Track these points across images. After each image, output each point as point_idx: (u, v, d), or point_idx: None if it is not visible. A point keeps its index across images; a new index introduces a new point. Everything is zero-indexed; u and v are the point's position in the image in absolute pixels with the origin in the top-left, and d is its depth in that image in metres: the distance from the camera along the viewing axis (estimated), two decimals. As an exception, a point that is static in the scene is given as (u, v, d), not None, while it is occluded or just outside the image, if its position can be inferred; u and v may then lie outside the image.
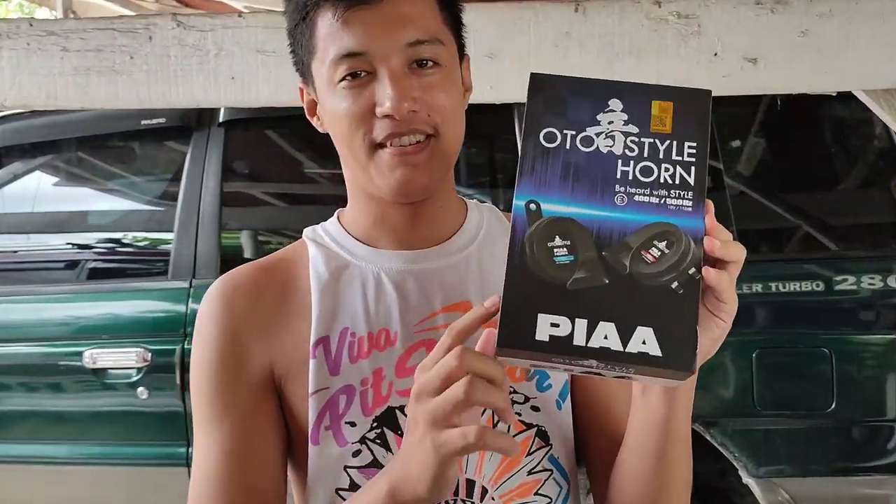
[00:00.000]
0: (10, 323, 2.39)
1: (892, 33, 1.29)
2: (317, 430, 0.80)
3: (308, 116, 0.86)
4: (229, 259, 2.32)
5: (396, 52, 0.75)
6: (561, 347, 0.60)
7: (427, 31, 0.76)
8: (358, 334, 0.81)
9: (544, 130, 0.66)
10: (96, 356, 2.27)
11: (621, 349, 0.60)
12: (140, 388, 2.24)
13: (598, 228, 0.63)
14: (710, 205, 0.64)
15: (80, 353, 2.28)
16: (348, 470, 0.80)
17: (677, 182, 0.65)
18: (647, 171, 0.65)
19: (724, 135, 2.34)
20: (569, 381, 0.85)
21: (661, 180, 0.65)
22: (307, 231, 0.89)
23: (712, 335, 0.66)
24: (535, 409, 0.82)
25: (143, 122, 2.38)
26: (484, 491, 0.80)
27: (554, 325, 0.61)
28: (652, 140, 0.66)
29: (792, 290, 1.95)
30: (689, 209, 0.63)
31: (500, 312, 0.61)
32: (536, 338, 0.60)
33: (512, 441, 0.65)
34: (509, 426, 0.80)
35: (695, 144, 0.65)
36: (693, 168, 0.65)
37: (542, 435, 0.82)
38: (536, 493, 0.81)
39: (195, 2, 4.58)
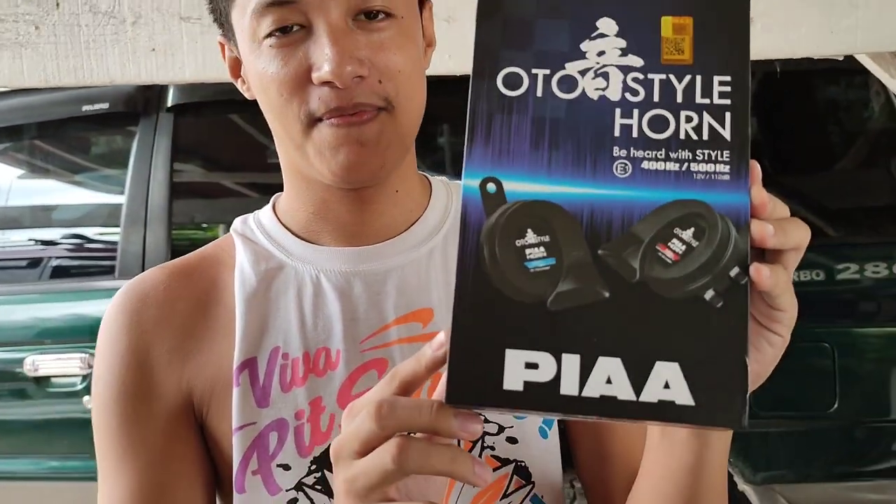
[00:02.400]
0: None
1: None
2: (242, 474, 0.67)
3: (231, 78, 0.71)
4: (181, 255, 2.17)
5: (327, 5, 0.61)
6: (542, 399, 0.43)
7: None
8: (291, 355, 0.69)
9: (503, 72, 0.46)
10: (38, 363, 2.13)
11: (633, 398, 0.42)
12: (85, 397, 2.10)
13: (591, 214, 0.45)
14: (757, 169, 0.45)
15: (20, 360, 2.14)
16: None
17: (706, 137, 0.45)
18: (659, 124, 0.46)
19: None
20: None
21: (682, 136, 0.45)
22: (236, 223, 0.75)
23: (764, 357, 0.48)
24: (512, 440, 0.70)
25: (85, 107, 2.22)
26: None
27: (530, 365, 0.43)
28: (665, 76, 0.46)
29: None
30: (726, 177, 0.44)
31: (448, 350, 0.43)
32: (505, 387, 0.43)
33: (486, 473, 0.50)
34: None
35: (729, 79, 0.46)
36: (728, 115, 0.45)
37: (521, 471, 0.69)
38: None
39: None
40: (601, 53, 0.46)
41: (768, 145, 2.19)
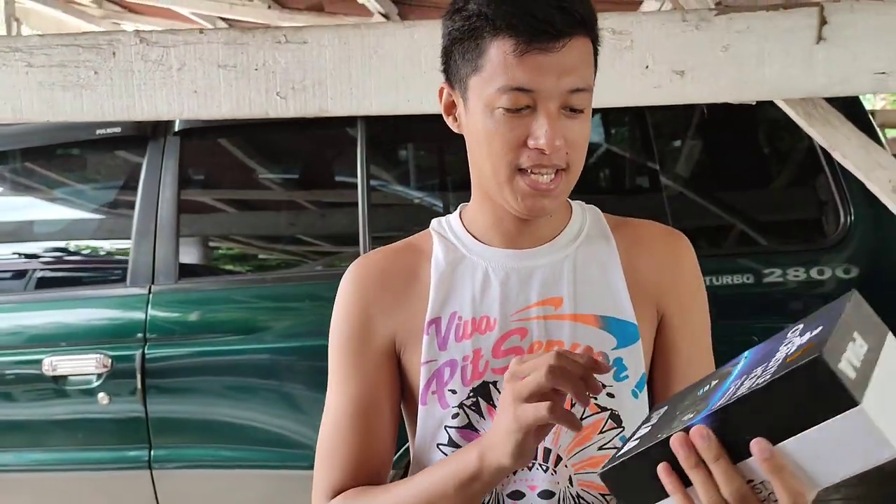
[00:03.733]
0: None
1: (802, 48, 1.42)
2: (425, 393, 0.94)
3: (444, 115, 0.94)
4: (187, 265, 2.38)
5: (558, 96, 0.83)
6: None
7: (585, 80, 0.84)
8: (464, 318, 0.94)
9: None
10: (56, 363, 2.30)
11: None
12: (101, 394, 2.28)
13: None
14: None
15: (39, 361, 2.31)
16: (448, 429, 0.93)
17: None
18: None
19: (663, 137, 2.49)
20: (646, 374, 0.94)
21: None
22: (434, 223, 1.01)
23: None
24: (611, 395, 0.91)
25: (98, 131, 2.41)
26: (558, 459, 0.91)
27: None
28: None
29: (725, 283, 2.10)
30: None
31: None
32: None
33: (575, 419, 0.77)
34: (584, 408, 0.89)
35: None
36: None
37: (615, 418, 0.92)
38: None
39: (140, 7, 4.58)
40: None
41: (712, 166, 2.48)
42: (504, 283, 0.94)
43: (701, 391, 0.71)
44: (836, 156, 1.68)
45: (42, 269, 2.61)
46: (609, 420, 0.92)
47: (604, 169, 2.59)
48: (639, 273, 0.96)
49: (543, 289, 0.94)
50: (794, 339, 0.64)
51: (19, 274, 2.64)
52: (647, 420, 0.76)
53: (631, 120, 2.39)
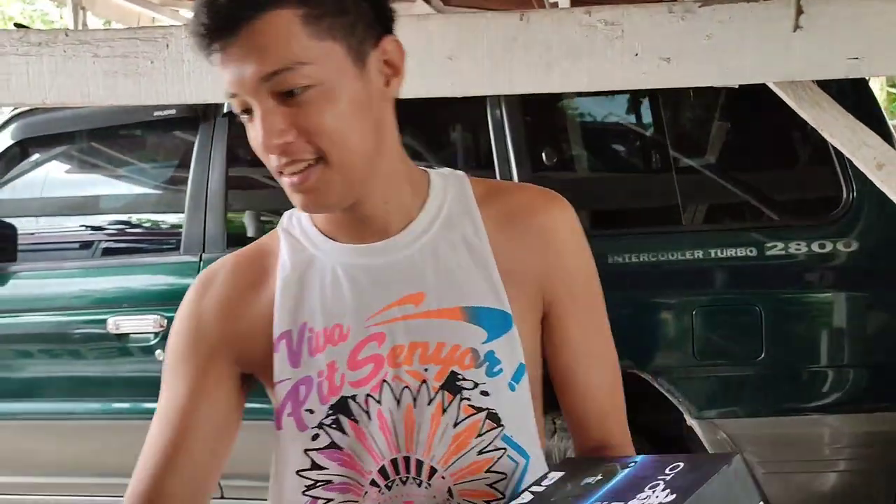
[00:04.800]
0: (46, 295, 2.68)
1: (780, 36, 1.56)
2: (280, 417, 0.86)
3: None
4: (234, 236, 2.61)
5: (256, 88, 0.74)
6: None
7: (282, 59, 0.73)
8: (315, 329, 0.85)
9: None
10: (119, 323, 2.57)
11: None
12: (157, 351, 2.54)
13: None
14: None
15: (104, 321, 2.58)
16: (308, 453, 0.85)
17: None
18: None
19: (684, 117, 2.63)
20: (524, 364, 0.85)
21: None
22: (283, 219, 0.92)
23: None
24: (485, 393, 0.83)
25: (155, 113, 2.65)
26: (433, 471, 0.83)
27: None
28: None
29: (729, 255, 2.23)
30: None
31: None
32: None
33: None
34: (459, 410, 0.83)
35: None
36: None
37: (493, 417, 0.83)
38: (488, 471, 0.84)
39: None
40: None
41: (733, 144, 2.60)
42: (355, 285, 0.85)
43: (588, 480, 0.73)
44: (825, 135, 1.80)
45: (107, 239, 2.89)
46: (487, 420, 0.83)
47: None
48: (512, 252, 0.86)
49: (401, 286, 0.84)
50: (658, 492, 0.66)
51: (87, 244, 2.93)
52: (541, 480, 0.77)
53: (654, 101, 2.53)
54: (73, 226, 2.96)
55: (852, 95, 2.13)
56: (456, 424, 0.83)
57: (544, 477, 0.78)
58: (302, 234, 0.89)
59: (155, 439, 0.86)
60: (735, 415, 2.21)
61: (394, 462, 0.84)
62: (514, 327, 0.84)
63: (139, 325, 2.56)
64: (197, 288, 0.91)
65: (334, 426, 0.85)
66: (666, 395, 2.23)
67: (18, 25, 2.10)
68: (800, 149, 2.47)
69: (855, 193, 2.21)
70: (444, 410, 0.83)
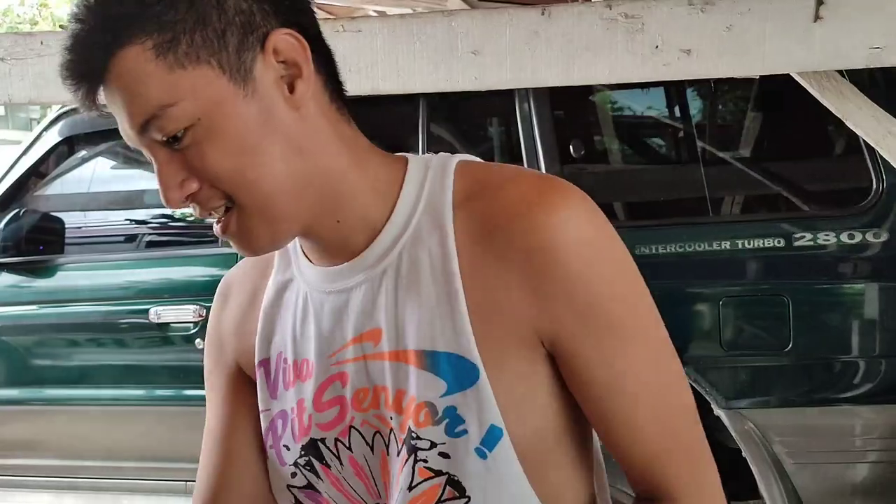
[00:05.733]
0: (92, 286, 2.80)
1: (801, 27, 1.57)
2: (266, 446, 0.79)
3: None
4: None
5: (139, 141, 0.64)
6: None
7: (145, 107, 0.61)
8: (289, 361, 0.77)
9: None
10: (160, 312, 2.67)
11: None
12: (197, 340, 2.62)
13: None
14: None
15: (146, 311, 2.67)
16: (291, 489, 0.78)
17: None
18: None
19: (711, 109, 2.63)
20: (500, 427, 0.66)
21: None
22: None
23: None
24: (444, 455, 0.68)
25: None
26: None
27: None
28: None
29: (757, 245, 2.24)
30: None
31: None
32: None
33: None
34: (414, 472, 0.68)
35: None
36: None
37: (455, 484, 0.68)
38: None
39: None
40: None
41: (764, 136, 2.60)
42: (319, 315, 0.73)
43: None
44: (849, 125, 1.81)
45: (149, 233, 3.00)
46: (447, 487, 0.68)
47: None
48: (489, 279, 0.65)
49: (361, 320, 0.70)
50: None
51: (131, 236, 3.04)
52: None
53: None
54: (117, 219, 3.08)
55: (882, 84, 2.12)
56: (411, 488, 0.69)
57: None
58: (293, 248, 0.78)
59: (204, 461, 0.82)
60: (763, 405, 2.22)
61: None
62: (481, 380, 0.65)
63: (179, 314, 2.65)
64: (217, 300, 0.85)
65: (308, 468, 0.76)
66: (692, 384, 2.24)
67: (63, 27, 2.19)
68: (829, 138, 2.46)
69: (885, 183, 2.19)
70: (402, 469, 0.69)
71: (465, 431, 0.67)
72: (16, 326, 2.78)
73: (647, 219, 2.45)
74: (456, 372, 0.66)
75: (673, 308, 2.25)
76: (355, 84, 1.77)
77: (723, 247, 2.24)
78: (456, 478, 0.68)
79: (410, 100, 2.53)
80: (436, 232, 0.68)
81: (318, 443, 0.74)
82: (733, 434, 2.22)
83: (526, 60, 1.65)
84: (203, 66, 0.62)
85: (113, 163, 3.11)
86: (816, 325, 2.21)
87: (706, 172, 2.36)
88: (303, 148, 0.66)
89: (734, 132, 2.62)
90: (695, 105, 2.57)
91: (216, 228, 0.67)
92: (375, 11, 3.96)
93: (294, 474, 0.77)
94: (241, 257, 0.80)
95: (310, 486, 0.76)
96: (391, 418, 0.70)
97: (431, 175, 0.70)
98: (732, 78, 1.68)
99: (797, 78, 1.78)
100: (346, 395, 0.72)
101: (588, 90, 2.55)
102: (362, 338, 0.71)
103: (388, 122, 2.84)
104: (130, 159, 3.10)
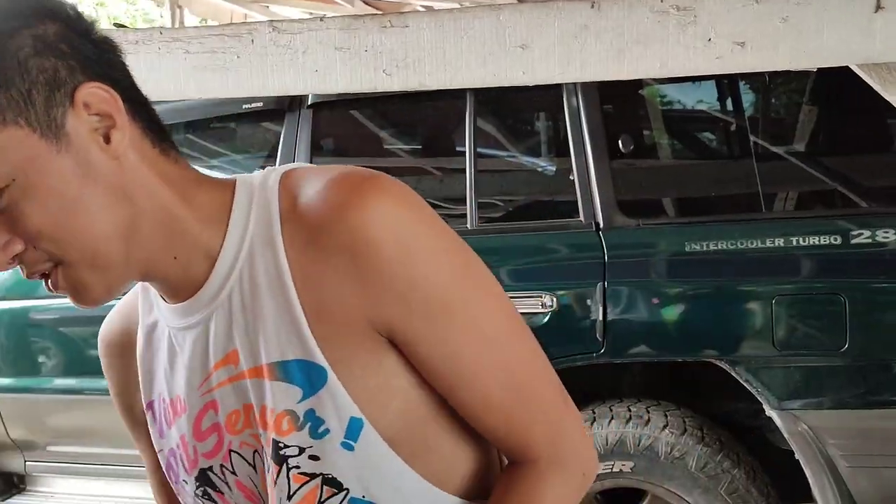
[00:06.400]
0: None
1: (859, 17, 1.51)
2: (172, 485, 0.85)
3: None
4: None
5: None
6: None
7: None
8: (166, 400, 0.80)
9: None
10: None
11: None
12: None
13: None
14: None
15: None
16: None
17: None
18: None
19: (765, 102, 2.57)
20: (360, 418, 0.70)
21: None
22: None
23: None
24: (315, 457, 0.71)
25: (244, 105, 2.77)
26: None
27: None
28: None
29: (812, 243, 2.18)
30: None
31: None
32: None
33: None
34: (289, 481, 0.72)
35: None
36: None
37: (331, 482, 0.72)
38: None
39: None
40: None
41: (820, 130, 2.53)
42: (182, 352, 0.75)
43: None
44: (912, 118, 1.75)
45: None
46: (325, 486, 0.72)
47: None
48: (319, 283, 0.68)
49: (218, 345, 0.73)
50: None
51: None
52: None
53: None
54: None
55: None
56: (290, 497, 0.72)
57: None
58: (153, 291, 0.79)
59: (157, 494, 0.92)
60: (817, 406, 2.16)
61: None
62: (330, 379, 0.69)
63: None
64: (103, 362, 0.89)
65: (206, 498, 0.79)
66: (744, 385, 2.20)
67: (118, 25, 2.24)
68: (888, 132, 2.38)
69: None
70: (276, 483, 0.72)
71: (328, 430, 0.70)
72: (74, 318, 2.84)
73: (698, 215, 2.40)
74: (306, 376, 0.69)
75: (724, 306, 2.22)
76: (402, 79, 1.77)
77: (777, 244, 2.19)
78: (330, 475, 0.72)
79: (458, 95, 2.53)
80: (268, 248, 0.70)
81: (207, 472, 0.78)
82: (786, 436, 2.17)
83: (575, 54, 1.63)
84: (11, 127, 0.62)
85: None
86: (874, 326, 2.14)
87: (759, 167, 2.30)
88: (126, 194, 0.67)
89: (789, 126, 2.55)
90: (747, 98, 2.51)
91: (46, 286, 0.68)
92: (422, 7, 3.97)
93: None
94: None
95: None
96: (261, 435, 0.73)
97: (258, 193, 0.72)
98: (787, 70, 1.64)
99: (857, 70, 1.72)
100: (220, 421, 0.75)
101: (637, 84, 2.51)
102: (223, 361, 0.73)
103: (435, 118, 2.84)
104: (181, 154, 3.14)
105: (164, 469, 0.83)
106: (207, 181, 0.74)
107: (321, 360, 0.69)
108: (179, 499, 0.84)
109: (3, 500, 2.92)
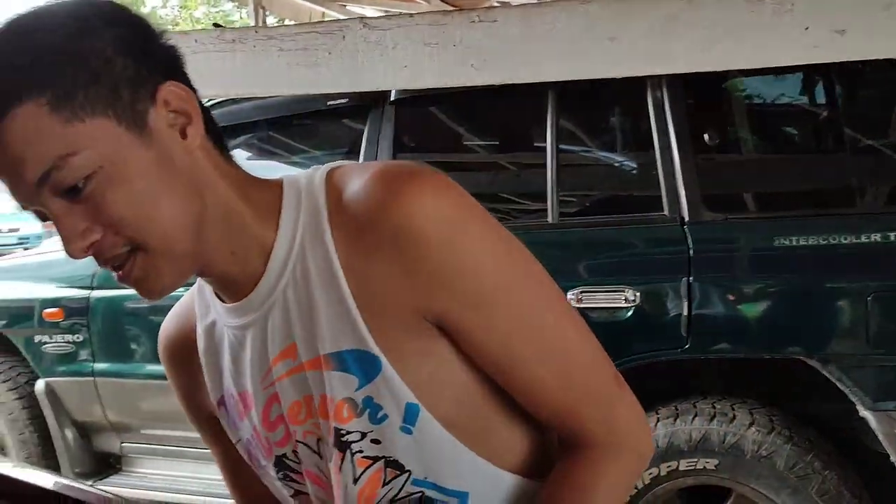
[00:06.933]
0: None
1: (968, 3, 1.46)
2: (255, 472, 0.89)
3: None
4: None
5: (36, 196, 0.66)
6: None
7: (43, 159, 0.64)
8: (235, 396, 0.83)
9: None
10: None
11: None
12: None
13: None
14: None
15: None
16: (292, 497, 0.87)
17: None
18: None
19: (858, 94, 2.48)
20: (416, 403, 0.73)
21: None
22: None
23: None
24: (376, 441, 0.75)
25: (329, 102, 2.82)
26: None
27: None
28: None
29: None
30: None
31: None
32: None
33: None
34: (353, 465, 0.76)
35: None
36: None
37: (393, 464, 0.76)
38: None
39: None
40: None
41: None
42: (243, 348, 0.79)
43: None
44: None
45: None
46: (388, 469, 0.76)
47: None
48: (367, 274, 0.71)
49: (277, 339, 0.76)
50: None
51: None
52: None
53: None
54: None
55: None
56: (356, 481, 0.76)
57: None
58: (209, 293, 0.83)
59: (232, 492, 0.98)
60: (915, 407, 2.08)
61: None
62: (384, 367, 0.72)
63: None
64: (165, 367, 0.93)
65: (287, 480, 0.85)
66: (836, 384, 2.13)
67: (216, 25, 2.32)
68: None
69: None
70: (340, 469, 0.76)
71: (387, 416, 0.73)
72: (166, 307, 2.95)
73: (788, 210, 2.34)
74: (361, 365, 0.72)
75: (815, 303, 2.17)
76: (489, 74, 1.79)
77: (872, 239, 2.12)
78: (392, 458, 0.75)
79: (538, 89, 2.53)
80: (318, 242, 0.73)
81: (282, 458, 0.83)
82: (880, 437, 2.09)
83: (663, 46, 1.62)
84: (100, 118, 0.65)
85: (249, 154, 3.25)
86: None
87: (852, 161, 2.23)
88: (197, 188, 0.71)
89: (881, 118, 2.46)
90: (838, 89, 2.43)
91: (116, 276, 0.71)
92: (499, 1, 3.95)
93: (284, 486, 0.85)
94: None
95: (297, 493, 0.85)
96: (322, 424, 0.77)
97: (306, 191, 0.75)
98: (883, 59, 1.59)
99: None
100: (284, 413, 0.79)
101: (723, 76, 2.47)
102: (282, 356, 0.76)
103: (516, 113, 2.84)
104: (265, 151, 3.22)
105: (244, 457, 0.87)
106: (257, 180, 0.77)
107: (375, 349, 0.72)
108: (264, 480, 0.89)
109: (100, 480, 3.07)
